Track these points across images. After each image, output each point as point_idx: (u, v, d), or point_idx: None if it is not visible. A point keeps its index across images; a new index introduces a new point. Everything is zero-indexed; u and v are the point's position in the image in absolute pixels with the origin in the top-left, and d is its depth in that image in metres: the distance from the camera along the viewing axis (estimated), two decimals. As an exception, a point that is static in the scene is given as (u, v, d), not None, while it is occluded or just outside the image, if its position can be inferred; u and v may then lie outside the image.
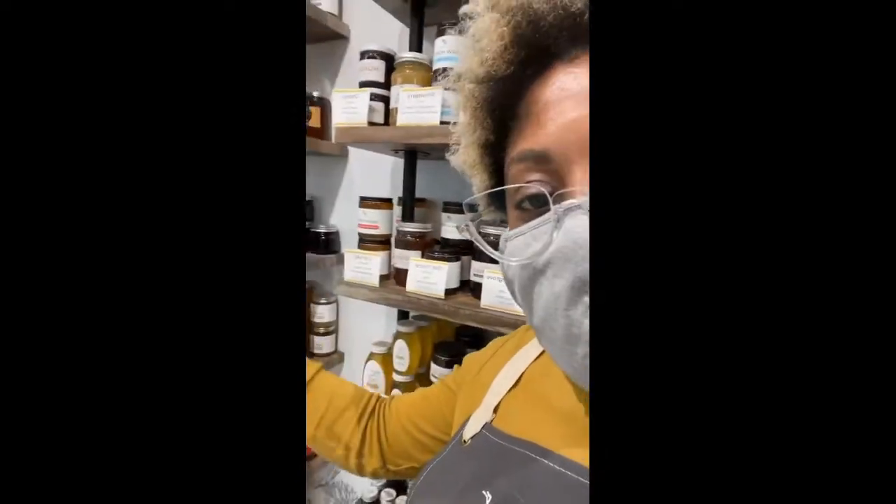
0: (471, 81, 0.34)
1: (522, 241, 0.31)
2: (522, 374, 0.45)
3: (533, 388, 0.43)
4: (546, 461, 0.35)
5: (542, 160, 0.30)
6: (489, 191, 0.37)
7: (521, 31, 0.31)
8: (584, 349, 0.28)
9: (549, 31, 0.30)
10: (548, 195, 0.29)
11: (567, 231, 0.27)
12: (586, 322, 0.27)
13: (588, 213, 0.27)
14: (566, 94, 0.29)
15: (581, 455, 0.34)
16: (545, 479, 0.34)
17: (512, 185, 0.32)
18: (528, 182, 0.31)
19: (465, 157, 0.38)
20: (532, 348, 0.47)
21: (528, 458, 0.36)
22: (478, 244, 0.34)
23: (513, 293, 0.35)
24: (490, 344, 0.56)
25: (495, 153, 0.36)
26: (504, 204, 0.36)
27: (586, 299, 0.27)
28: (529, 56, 0.31)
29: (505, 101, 0.33)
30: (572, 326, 0.28)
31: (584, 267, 0.26)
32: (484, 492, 0.36)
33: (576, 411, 0.37)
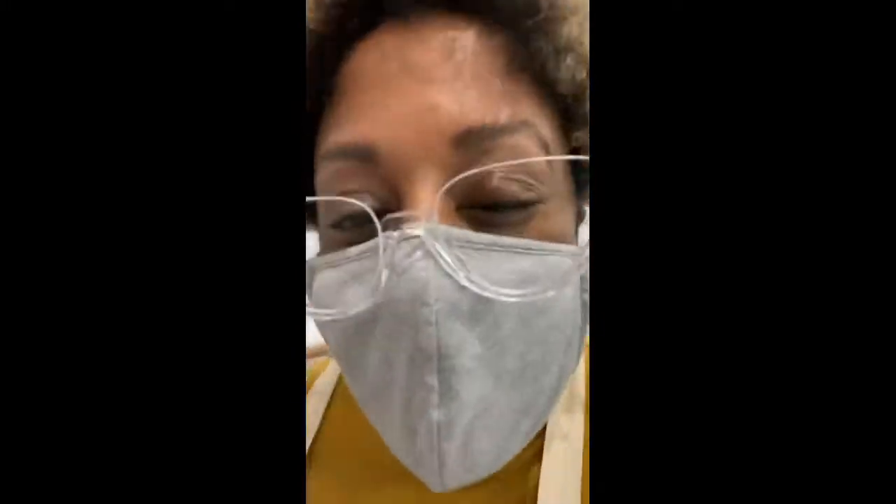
0: None
1: (336, 278, 0.21)
2: (315, 437, 0.32)
3: (342, 459, 0.31)
4: None
5: (366, 159, 0.21)
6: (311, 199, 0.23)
7: None
8: (427, 442, 0.20)
9: None
10: (372, 214, 0.20)
11: (404, 278, 0.19)
12: (434, 414, 0.19)
13: (433, 251, 0.19)
14: (402, 68, 0.20)
15: None
16: None
17: (319, 198, 0.22)
18: (345, 192, 0.21)
19: None
20: (315, 402, 0.34)
21: None
22: None
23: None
24: None
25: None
26: (314, 217, 0.26)
27: (431, 380, 0.19)
28: (350, 8, 0.22)
29: (317, 73, 0.22)
30: (412, 417, 0.20)
31: (427, 332, 0.18)
32: None
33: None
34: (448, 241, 0.19)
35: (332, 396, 0.34)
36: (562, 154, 0.22)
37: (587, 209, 0.26)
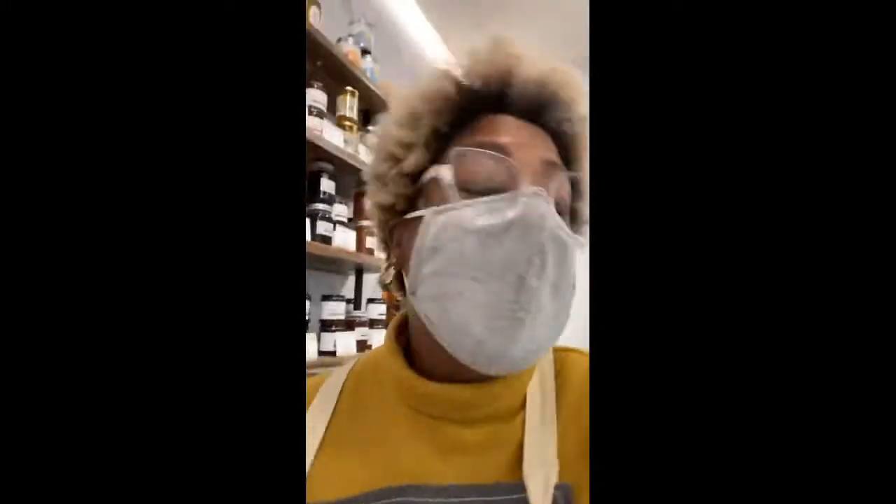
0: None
1: (470, 212, 0.34)
2: (328, 425, 0.42)
3: (351, 435, 0.40)
4: (411, 499, 0.34)
5: (503, 151, 0.36)
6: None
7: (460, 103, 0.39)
8: (525, 298, 0.32)
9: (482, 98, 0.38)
10: (518, 171, 0.35)
11: (533, 209, 0.33)
12: (533, 282, 0.32)
13: (548, 201, 0.33)
14: (518, 128, 0.38)
15: (440, 474, 0.35)
16: None
17: (472, 149, 0.37)
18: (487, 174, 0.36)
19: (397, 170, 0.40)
20: (326, 397, 0.44)
21: None
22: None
23: (418, 268, 0.37)
24: None
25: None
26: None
27: (537, 260, 0.32)
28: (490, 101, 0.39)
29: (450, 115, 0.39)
30: (518, 288, 0.32)
31: (542, 235, 0.32)
32: None
33: (412, 432, 0.38)
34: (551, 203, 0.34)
35: (340, 393, 0.44)
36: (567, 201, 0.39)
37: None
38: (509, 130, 0.37)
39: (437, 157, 0.39)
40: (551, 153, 0.38)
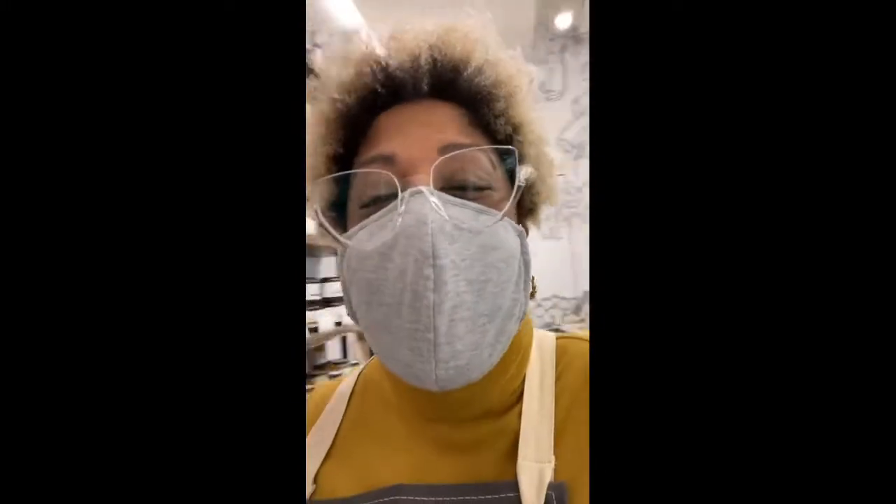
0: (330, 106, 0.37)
1: (366, 233, 0.33)
2: (339, 427, 0.43)
3: (358, 435, 0.41)
4: (404, 497, 0.34)
5: (389, 161, 0.34)
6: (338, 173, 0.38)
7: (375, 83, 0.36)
8: (425, 319, 0.30)
9: (400, 80, 0.36)
10: (396, 179, 0.32)
11: (412, 213, 0.30)
12: (430, 297, 0.29)
13: (428, 197, 0.31)
14: (411, 121, 0.35)
15: (441, 475, 0.35)
16: None
17: (358, 171, 0.35)
18: (375, 185, 0.34)
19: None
20: (338, 401, 0.45)
21: None
22: (325, 228, 0.35)
23: (349, 301, 0.36)
24: None
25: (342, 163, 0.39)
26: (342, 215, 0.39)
27: (428, 272, 0.29)
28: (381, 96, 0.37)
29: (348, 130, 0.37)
30: (415, 308, 0.30)
31: (426, 241, 0.29)
32: None
33: (410, 432, 0.38)
34: (436, 195, 0.32)
35: (350, 398, 0.44)
36: (500, 176, 0.36)
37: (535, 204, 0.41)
38: (400, 128, 0.35)
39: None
40: (451, 132, 0.35)
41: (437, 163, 0.32)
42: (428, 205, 0.30)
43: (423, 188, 0.31)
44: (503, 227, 0.34)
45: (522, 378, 0.38)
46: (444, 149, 0.33)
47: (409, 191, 0.31)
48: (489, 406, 0.37)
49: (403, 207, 0.31)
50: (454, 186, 0.34)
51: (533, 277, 0.37)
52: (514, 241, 0.34)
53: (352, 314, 0.37)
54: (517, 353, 0.38)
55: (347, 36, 0.37)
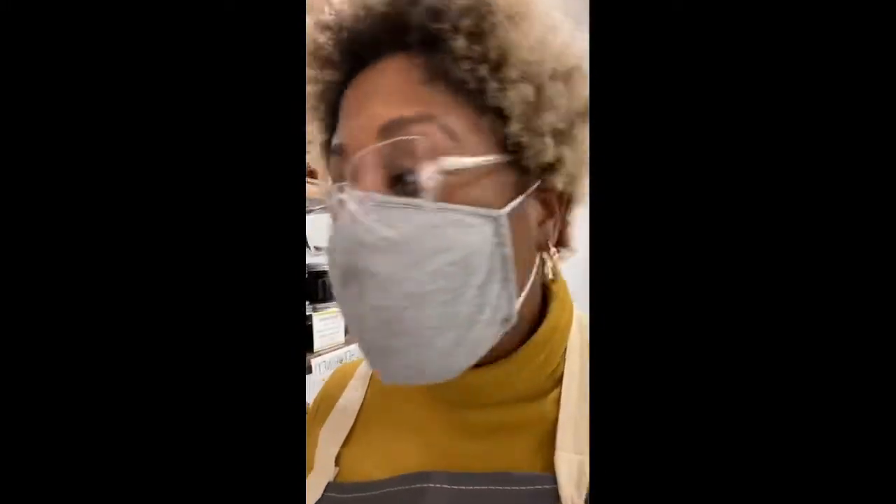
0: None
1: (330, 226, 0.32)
2: (360, 409, 0.41)
3: (380, 418, 0.40)
4: (432, 485, 0.32)
5: (342, 153, 0.30)
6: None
7: (344, 44, 0.32)
8: (368, 333, 0.28)
9: (362, 40, 0.31)
10: (337, 188, 0.30)
11: (337, 224, 0.29)
12: (359, 307, 0.28)
13: (356, 205, 0.27)
14: (364, 94, 0.31)
15: (468, 462, 0.33)
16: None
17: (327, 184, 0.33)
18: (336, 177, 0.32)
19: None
20: (359, 381, 0.44)
21: (406, 495, 0.33)
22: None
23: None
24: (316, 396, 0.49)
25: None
26: None
27: (354, 288, 0.28)
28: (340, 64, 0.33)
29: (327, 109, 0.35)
30: (358, 319, 0.29)
31: (349, 256, 0.27)
32: None
33: (434, 417, 0.36)
34: (361, 202, 0.28)
35: (371, 378, 0.43)
36: (477, 142, 0.29)
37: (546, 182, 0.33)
38: (351, 107, 0.31)
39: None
40: (396, 100, 0.29)
41: (367, 151, 0.28)
42: (348, 215, 0.27)
43: (344, 196, 0.28)
44: (457, 223, 0.28)
45: (560, 361, 0.35)
46: (385, 129, 0.28)
47: (335, 198, 0.29)
48: (519, 391, 0.34)
49: (334, 217, 0.29)
50: (401, 175, 0.28)
51: (553, 257, 0.34)
52: (475, 237, 0.28)
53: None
54: (550, 335, 0.34)
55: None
